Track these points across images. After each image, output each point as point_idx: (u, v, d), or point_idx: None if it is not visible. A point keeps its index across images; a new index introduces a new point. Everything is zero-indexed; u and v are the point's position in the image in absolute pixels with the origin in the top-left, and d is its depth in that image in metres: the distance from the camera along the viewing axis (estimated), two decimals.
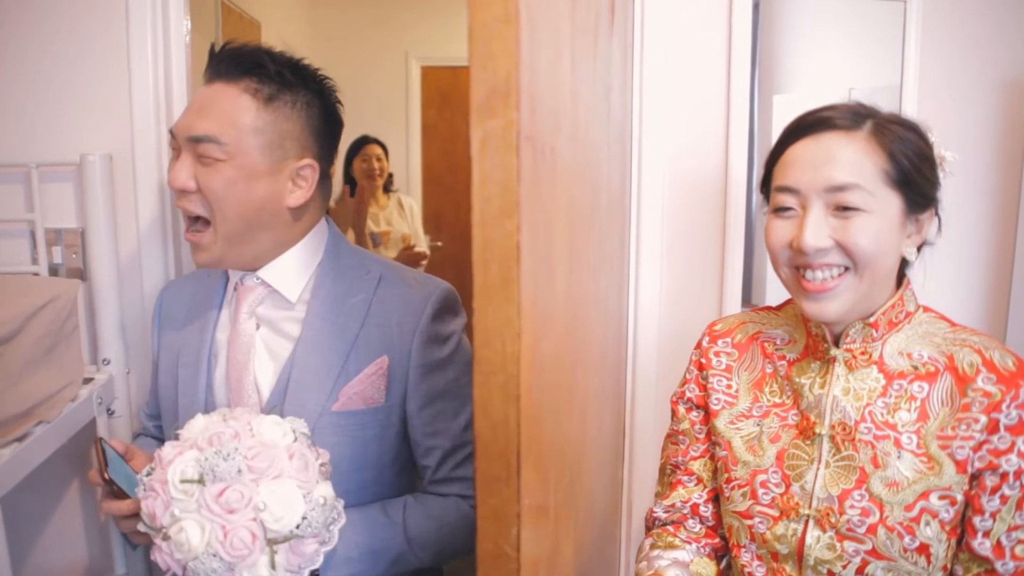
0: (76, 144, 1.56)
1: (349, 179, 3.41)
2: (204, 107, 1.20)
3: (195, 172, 1.20)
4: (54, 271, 1.59)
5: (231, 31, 3.43)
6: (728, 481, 1.15)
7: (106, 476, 1.14)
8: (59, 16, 1.55)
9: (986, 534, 1.02)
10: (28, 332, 1.30)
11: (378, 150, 3.59)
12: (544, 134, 0.74)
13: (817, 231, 1.01)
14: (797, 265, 1.05)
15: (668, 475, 1.26)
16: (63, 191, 1.58)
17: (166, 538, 1.03)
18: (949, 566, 1.05)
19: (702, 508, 1.21)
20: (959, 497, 1.02)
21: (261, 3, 3.89)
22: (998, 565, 1.01)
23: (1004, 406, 1.00)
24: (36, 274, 1.58)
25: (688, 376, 1.25)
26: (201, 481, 1.03)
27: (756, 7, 1.63)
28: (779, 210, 1.06)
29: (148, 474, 1.07)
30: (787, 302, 1.23)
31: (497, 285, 0.67)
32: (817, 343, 1.12)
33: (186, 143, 1.20)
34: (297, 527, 1.05)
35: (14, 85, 1.55)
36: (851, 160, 1.01)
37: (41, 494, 1.62)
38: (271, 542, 1.04)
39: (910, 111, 1.68)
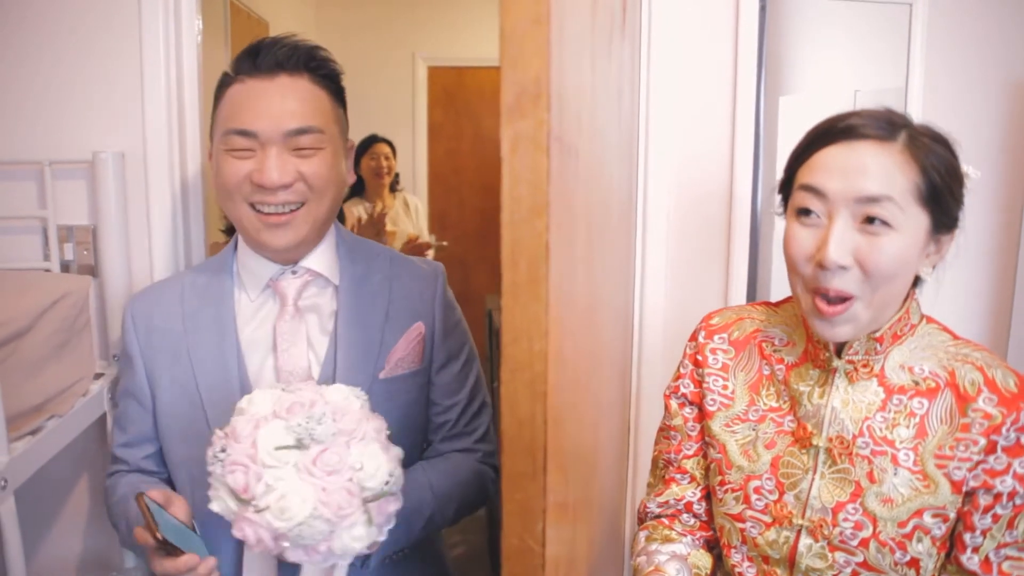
0: (89, 142, 1.57)
1: (356, 177, 3.44)
2: (286, 100, 1.23)
3: (294, 164, 1.23)
4: (65, 268, 1.61)
5: (239, 30, 3.45)
6: (722, 484, 1.14)
7: (159, 537, 1.07)
8: (73, 16, 1.56)
9: (975, 550, 1.03)
10: (41, 327, 1.32)
11: (386, 149, 3.62)
12: (569, 135, 0.75)
13: (841, 245, 0.97)
14: (815, 289, 1.01)
15: (661, 469, 1.24)
16: (75, 188, 1.59)
17: (259, 510, 1.02)
18: None
19: (695, 506, 1.20)
20: (952, 515, 1.03)
21: (268, 2, 3.91)
22: None
23: (1004, 429, 0.99)
24: (48, 270, 1.59)
25: (683, 370, 1.22)
26: (298, 447, 1.04)
27: (763, 9, 1.65)
28: (802, 212, 1.02)
29: (221, 451, 1.06)
30: (786, 299, 1.21)
31: (525, 283, 0.67)
32: (818, 350, 1.10)
33: (281, 138, 1.22)
34: (386, 484, 1.08)
35: (28, 83, 1.57)
36: (885, 172, 0.97)
37: (51, 487, 1.64)
38: (365, 501, 1.07)
39: (915, 113, 1.69)
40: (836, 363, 1.07)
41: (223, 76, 1.29)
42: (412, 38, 5.16)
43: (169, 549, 1.08)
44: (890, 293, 1.01)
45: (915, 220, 0.99)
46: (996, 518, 1.01)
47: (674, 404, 1.22)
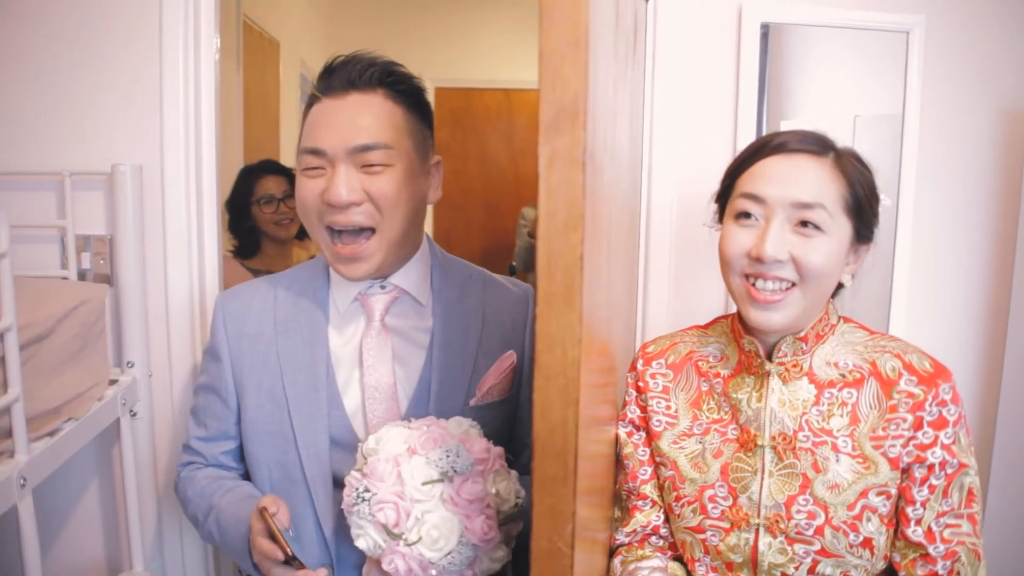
0: (108, 154, 1.62)
1: None
2: (355, 117, 1.23)
3: (361, 182, 1.22)
4: (82, 276, 1.65)
5: (251, 49, 3.50)
6: (677, 499, 1.19)
7: (290, 553, 1.12)
8: (94, 32, 1.61)
9: (918, 522, 1.11)
10: (60, 333, 1.36)
11: None
12: (599, 153, 0.78)
13: (778, 242, 1.07)
14: (748, 274, 1.11)
15: (624, 500, 1.27)
16: (94, 199, 1.64)
17: (410, 543, 1.08)
18: (888, 554, 1.13)
19: (662, 528, 1.24)
20: (893, 491, 1.11)
21: (280, 22, 3.97)
22: (930, 549, 1.10)
23: (927, 404, 1.10)
24: (65, 278, 1.63)
25: (627, 398, 1.28)
26: (441, 480, 1.11)
27: (764, 35, 1.69)
28: (740, 216, 1.12)
29: (365, 491, 1.11)
30: (715, 320, 1.30)
31: (561, 293, 0.71)
32: (750, 359, 1.18)
33: (347, 155, 1.21)
34: (514, 506, 1.15)
35: (50, 96, 1.62)
36: (819, 181, 1.09)
37: (65, 489, 1.68)
38: (500, 524, 1.14)
39: (911, 138, 1.73)
40: (769, 366, 1.16)
41: (310, 96, 1.29)
42: (420, 59, 5.18)
43: (294, 563, 1.13)
44: (820, 292, 1.11)
45: (841, 227, 1.10)
46: (932, 488, 1.10)
47: (623, 433, 1.27)
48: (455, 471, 1.12)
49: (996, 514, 1.81)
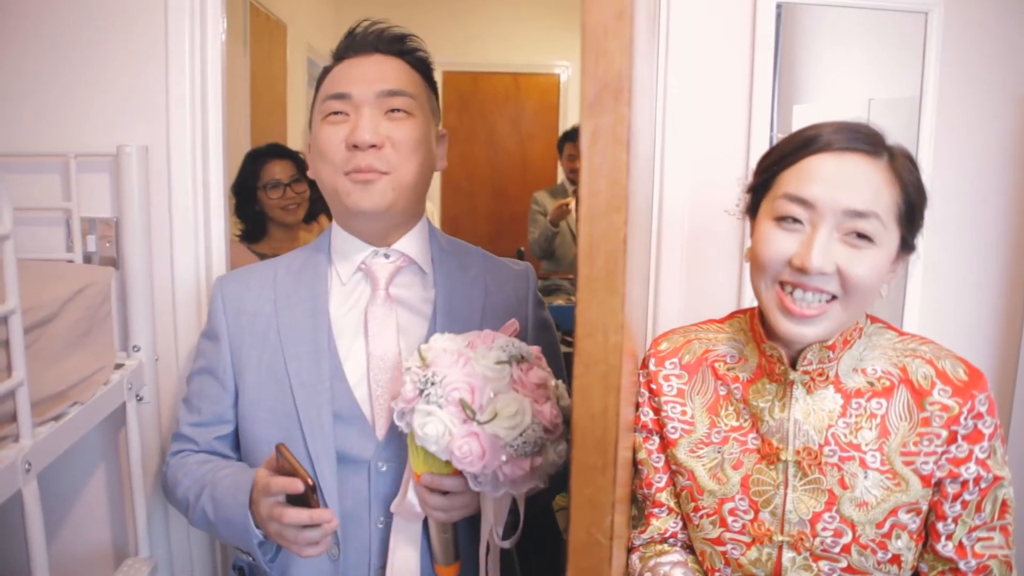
0: (113, 136, 1.60)
1: None
2: (382, 67, 1.30)
3: (385, 126, 1.27)
4: (88, 259, 1.63)
5: (258, 31, 3.48)
6: (696, 510, 1.13)
7: (311, 483, 1.09)
8: (100, 12, 1.59)
9: (948, 537, 1.06)
10: (65, 316, 1.35)
11: None
12: (636, 133, 0.75)
13: (825, 253, 0.98)
14: (785, 282, 1.01)
15: (640, 503, 1.22)
16: (99, 181, 1.62)
17: (482, 423, 1.08)
18: (915, 563, 1.08)
19: (680, 533, 1.19)
20: (924, 507, 1.05)
21: (287, 5, 3.95)
22: (961, 564, 1.05)
23: (962, 418, 1.03)
24: (71, 261, 1.62)
25: (640, 399, 1.20)
26: (510, 363, 1.13)
27: (779, 17, 1.66)
28: (783, 219, 1.02)
29: (434, 376, 1.12)
30: (732, 315, 1.22)
31: (603, 277, 0.68)
32: (772, 365, 1.09)
33: (374, 99, 1.27)
34: (568, 407, 1.15)
35: (55, 77, 1.60)
36: (873, 188, 0.98)
37: (70, 474, 1.67)
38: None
39: (929, 123, 1.70)
40: (793, 375, 1.07)
41: (323, 70, 1.36)
42: (429, 43, 5.15)
43: (311, 498, 1.10)
44: (860, 306, 1.03)
45: (892, 238, 1.01)
46: (965, 504, 1.04)
47: (638, 438, 1.20)
48: (522, 356, 1.15)
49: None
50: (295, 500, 1.12)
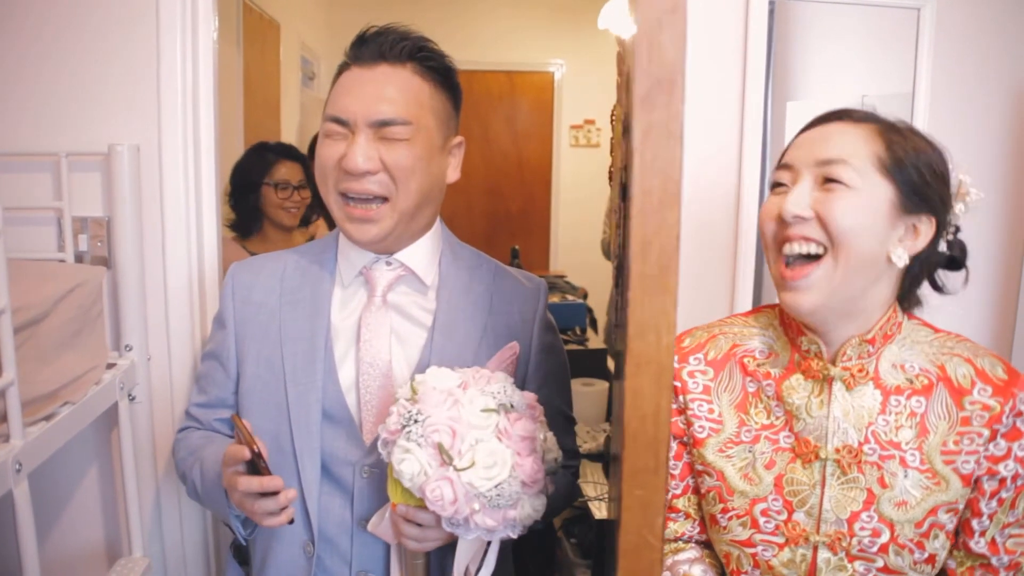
0: (104, 135, 1.59)
1: None
2: (380, 90, 1.24)
3: (378, 152, 1.23)
4: (79, 259, 1.62)
5: (251, 30, 3.47)
6: (724, 511, 1.10)
7: (256, 449, 1.10)
8: (90, 10, 1.58)
9: (982, 534, 1.05)
10: (56, 315, 1.34)
11: None
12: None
13: (799, 199, 1.01)
14: (780, 242, 1.03)
15: None
16: (91, 180, 1.61)
17: (460, 469, 1.06)
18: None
19: (696, 537, 1.18)
20: (962, 506, 1.04)
21: (280, 4, 3.93)
22: (993, 560, 1.05)
23: (1004, 417, 1.01)
24: (62, 261, 1.61)
25: None
26: (498, 411, 1.10)
27: (771, 14, 1.66)
28: (774, 188, 1.07)
29: (418, 414, 1.10)
30: (759, 309, 1.21)
31: (655, 276, 0.66)
32: (808, 361, 1.08)
33: (367, 127, 1.23)
34: (555, 460, 1.14)
35: (46, 76, 1.59)
36: (845, 140, 1.01)
37: (63, 474, 1.66)
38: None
39: (922, 119, 1.70)
40: (833, 371, 1.06)
41: (341, 63, 1.31)
42: None
43: (260, 465, 1.11)
44: (854, 260, 0.99)
45: (873, 185, 0.99)
46: (1001, 501, 1.03)
47: None
48: (512, 405, 1.12)
49: None
50: (254, 471, 1.13)
